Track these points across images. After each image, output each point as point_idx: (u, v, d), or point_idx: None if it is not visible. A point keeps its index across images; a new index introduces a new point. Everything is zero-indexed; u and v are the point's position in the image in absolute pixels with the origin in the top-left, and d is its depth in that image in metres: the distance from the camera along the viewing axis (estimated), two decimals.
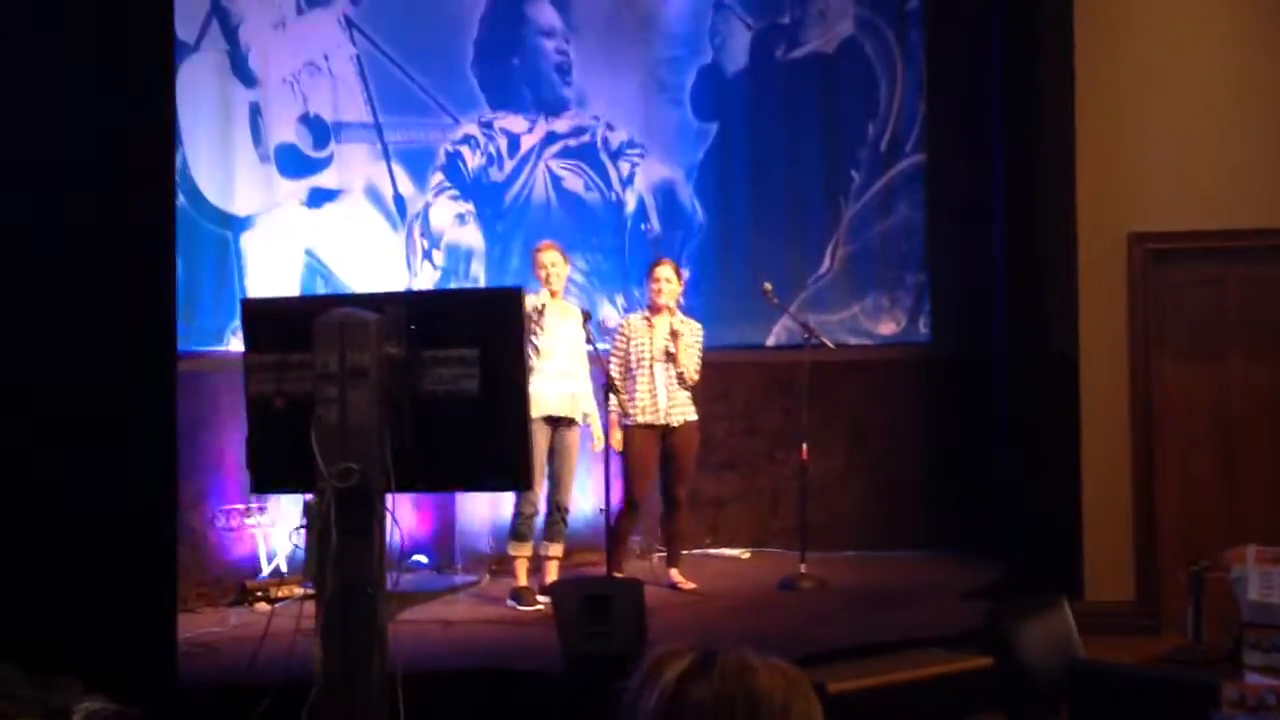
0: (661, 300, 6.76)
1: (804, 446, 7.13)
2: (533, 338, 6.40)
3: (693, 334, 6.79)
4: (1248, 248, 7.48)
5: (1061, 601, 4.38)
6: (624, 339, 6.76)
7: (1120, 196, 7.49)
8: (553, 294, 6.50)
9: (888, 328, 8.43)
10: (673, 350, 6.71)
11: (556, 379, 6.49)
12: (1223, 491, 7.47)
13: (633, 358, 6.71)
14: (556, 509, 6.53)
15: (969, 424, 7.91)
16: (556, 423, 6.47)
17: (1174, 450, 7.56)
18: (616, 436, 6.64)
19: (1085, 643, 4.40)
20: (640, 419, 6.65)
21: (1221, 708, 3.10)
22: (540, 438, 6.36)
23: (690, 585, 6.84)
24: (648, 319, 6.80)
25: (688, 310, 7.61)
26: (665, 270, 6.81)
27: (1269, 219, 7.40)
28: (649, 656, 1.57)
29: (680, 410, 6.75)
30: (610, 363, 6.68)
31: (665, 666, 1.54)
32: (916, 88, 8.42)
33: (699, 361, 6.78)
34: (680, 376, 6.74)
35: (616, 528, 6.57)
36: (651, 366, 6.71)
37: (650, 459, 6.73)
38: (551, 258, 6.56)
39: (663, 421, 6.70)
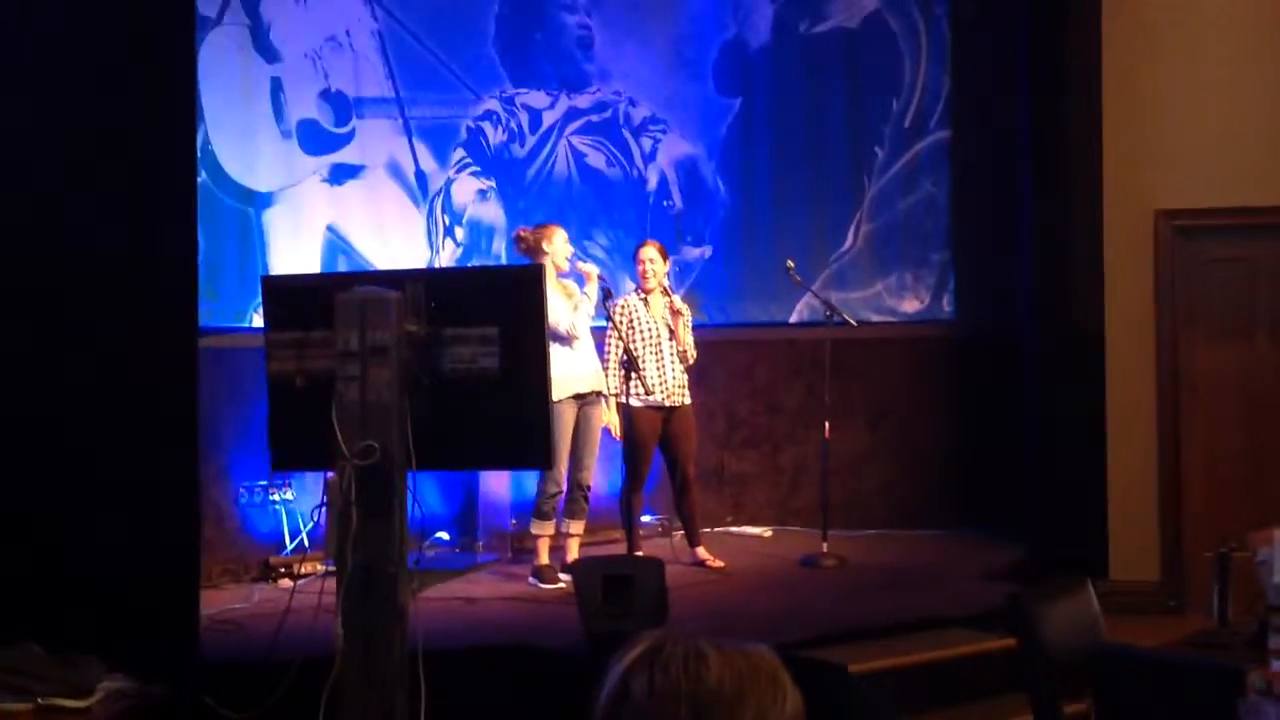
0: (649, 285, 6.72)
1: (826, 425, 7.10)
2: (584, 314, 6.41)
3: (688, 313, 6.80)
4: (1277, 225, 7.39)
5: (1085, 583, 4.35)
6: (624, 319, 6.69)
7: (1147, 173, 7.41)
8: (560, 270, 6.48)
9: (911, 305, 8.38)
10: (673, 328, 6.69)
11: (583, 358, 6.48)
12: (1250, 471, 7.39)
13: (639, 338, 6.67)
14: (578, 487, 6.53)
15: (993, 402, 7.87)
16: (584, 399, 6.47)
17: (1200, 429, 7.49)
18: (616, 419, 6.62)
19: (1109, 623, 4.37)
20: (650, 399, 6.63)
21: (1248, 695, 3.07)
22: (569, 416, 6.35)
23: (719, 563, 6.83)
24: (644, 299, 6.75)
25: (709, 287, 7.60)
26: (649, 251, 6.78)
27: None
28: (626, 644, 1.49)
29: (683, 391, 6.76)
30: (614, 343, 6.62)
31: (624, 656, 1.46)
32: (941, 63, 8.35)
33: (692, 340, 6.78)
34: (683, 354, 6.72)
35: (627, 506, 6.58)
36: (659, 346, 6.69)
37: (653, 439, 6.72)
38: (567, 237, 6.58)
39: (669, 403, 6.69)
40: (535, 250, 6.48)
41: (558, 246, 6.47)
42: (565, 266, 6.49)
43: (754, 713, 1.40)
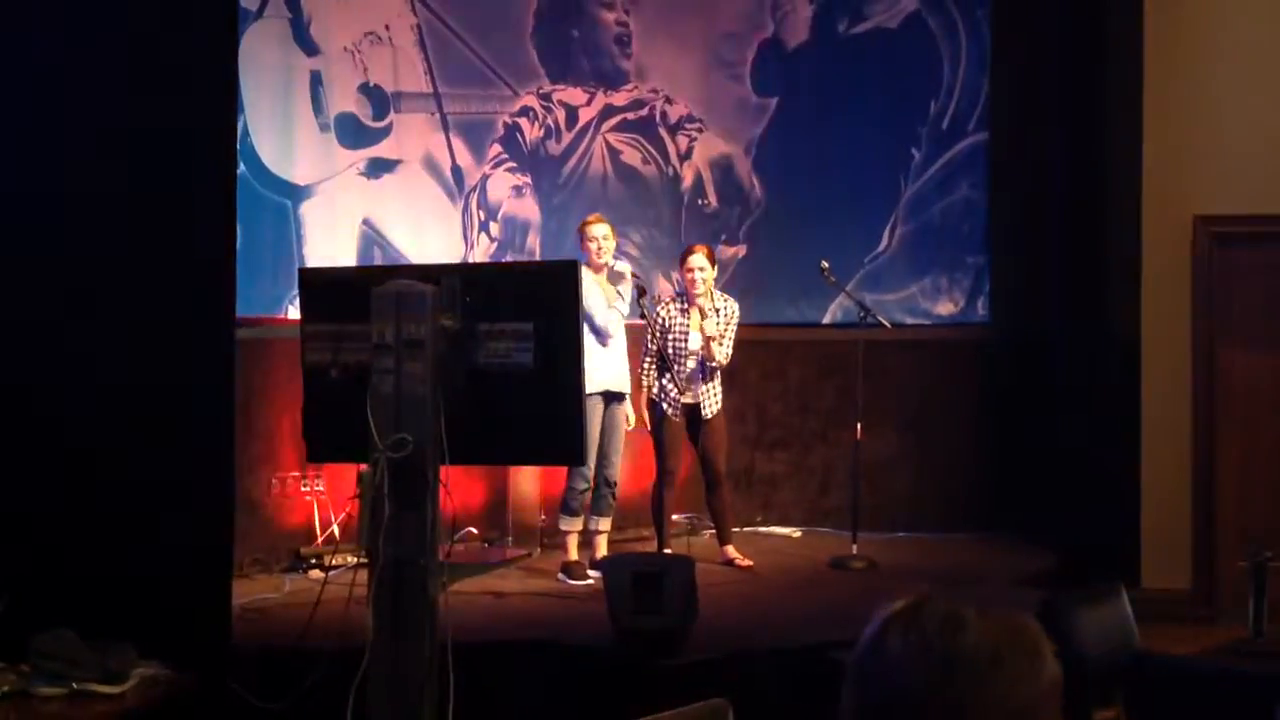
0: (697, 292, 6.65)
1: (858, 426, 7.08)
2: (617, 312, 6.42)
3: (729, 313, 6.72)
4: None
5: (1119, 590, 4.32)
6: (660, 328, 6.67)
7: (1186, 178, 7.35)
8: (598, 269, 6.48)
9: (945, 308, 8.34)
10: (702, 339, 6.63)
11: (615, 355, 6.48)
12: None
13: (670, 344, 6.65)
14: (605, 484, 6.54)
15: (1026, 407, 7.83)
16: (611, 397, 6.47)
17: (1236, 437, 7.42)
18: (635, 413, 6.64)
19: (1140, 631, 4.34)
20: (670, 405, 6.62)
21: None
22: (598, 412, 6.36)
23: (748, 562, 6.83)
24: (684, 309, 6.72)
25: (743, 287, 7.58)
26: (699, 259, 6.67)
27: None
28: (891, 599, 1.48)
29: (713, 396, 6.75)
30: (649, 343, 6.62)
31: (887, 609, 1.44)
32: (980, 65, 8.31)
33: (730, 347, 6.72)
34: (704, 360, 6.68)
35: (658, 503, 6.59)
36: (687, 360, 6.67)
37: (681, 437, 6.73)
38: (604, 230, 6.54)
39: (693, 401, 6.69)
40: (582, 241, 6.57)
41: (585, 243, 6.51)
42: (597, 259, 6.47)
43: (1007, 681, 1.38)
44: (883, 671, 1.40)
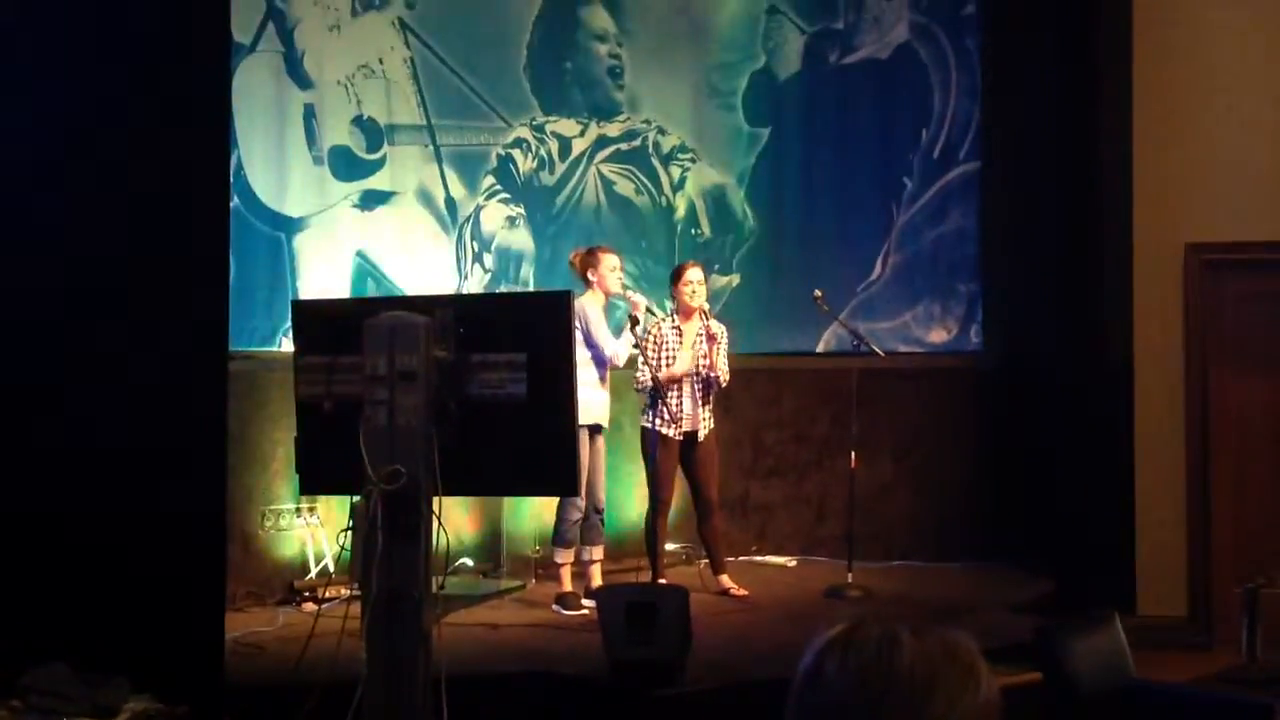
0: (695, 303, 6.71)
1: (853, 454, 7.08)
2: (624, 343, 6.47)
3: (723, 336, 6.76)
4: None
5: (1113, 618, 4.33)
6: (654, 348, 6.69)
7: (1177, 206, 7.39)
8: (612, 296, 6.53)
9: (939, 336, 8.36)
10: (705, 362, 6.66)
11: (597, 386, 6.46)
12: (1279, 506, 7.33)
13: (665, 367, 6.65)
14: (595, 512, 6.53)
15: (1020, 434, 7.84)
16: (595, 431, 6.46)
17: (1230, 464, 7.44)
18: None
19: (1135, 659, 4.34)
20: (667, 431, 6.60)
21: None
22: (583, 444, 6.34)
23: (742, 591, 6.81)
24: (677, 328, 6.73)
25: (736, 316, 7.59)
26: (697, 273, 6.78)
27: None
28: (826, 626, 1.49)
29: (707, 420, 6.75)
30: (643, 368, 6.61)
31: (822, 635, 1.45)
32: (971, 94, 8.35)
33: (727, 368, 6.76)
34: (706, 385, 6.68)
35: (651, 533, 6.58)
36: (681, 381, 6.68)
37: (674, 465, 6.73)
38: (618, 260, 6.60)
39: (690, 428, 6.68)
40: (581, 275, 6.53)
41: (603, 272, 6.50)
42: (615, 290, 6.50)
43: (944, 700, 1.38)
44: (823, 697, 1.41)
